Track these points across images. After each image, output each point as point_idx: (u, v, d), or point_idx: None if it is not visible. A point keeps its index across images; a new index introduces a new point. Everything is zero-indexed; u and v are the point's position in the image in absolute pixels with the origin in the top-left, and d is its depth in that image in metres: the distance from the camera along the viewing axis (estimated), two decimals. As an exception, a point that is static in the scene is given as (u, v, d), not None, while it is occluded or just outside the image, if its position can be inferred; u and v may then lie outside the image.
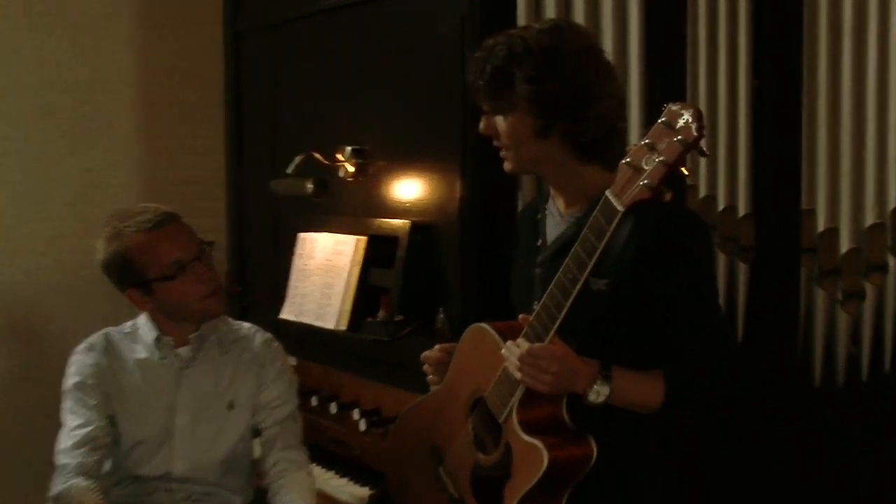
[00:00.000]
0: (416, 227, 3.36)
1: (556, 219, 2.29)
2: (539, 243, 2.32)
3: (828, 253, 3.26)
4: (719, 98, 3.21)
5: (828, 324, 3.29)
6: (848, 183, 3.28)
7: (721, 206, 3.22)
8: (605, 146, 2.14)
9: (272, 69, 4.11)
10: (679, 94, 3.14)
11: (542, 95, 2.10)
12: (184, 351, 2.75)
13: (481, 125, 2.24)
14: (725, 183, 3.22)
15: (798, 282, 3.28)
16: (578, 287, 1.99)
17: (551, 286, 2.04)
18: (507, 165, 2.24)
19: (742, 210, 3.23)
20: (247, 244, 4.30)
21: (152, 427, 2.70)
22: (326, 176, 3.65)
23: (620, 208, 1.92)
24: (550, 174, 2.25)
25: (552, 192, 2.32)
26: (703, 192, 3.21)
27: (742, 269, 3.23)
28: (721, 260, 3.21)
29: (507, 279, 2.47)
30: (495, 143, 2.23)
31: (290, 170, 3.67)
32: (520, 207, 3.22)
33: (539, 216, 2.36)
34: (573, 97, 2.10)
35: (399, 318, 3.30)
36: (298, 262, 3.75)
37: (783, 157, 3.28)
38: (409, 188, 3.46)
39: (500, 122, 2.20)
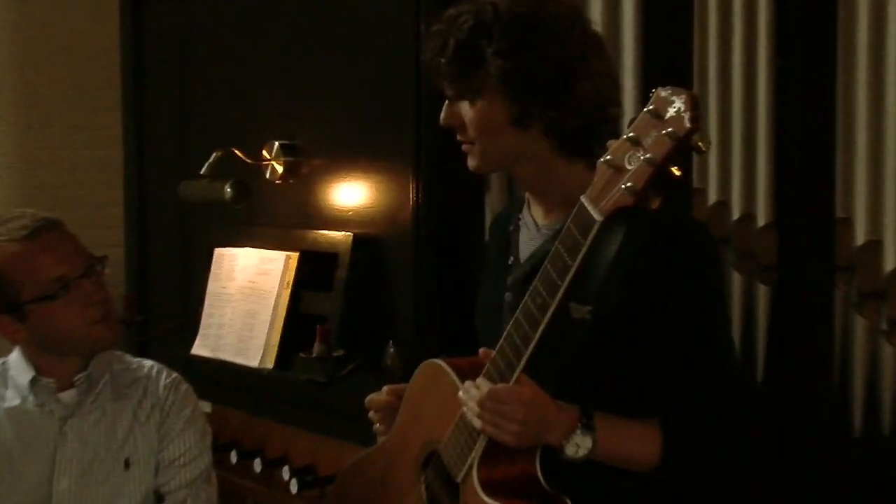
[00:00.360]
0: (359, 241, 3.38)
1: (531, 231, 2.30)
2: (511, 261, 2.33)
3: (868, 271, 3.27)
4: (733, 80, 3.21)
5: (870, 359, 3.28)
6: (893, 185, 3.29)
7: (736, 215, 3.22)
8: (593, 137, 2.14)
9: (182, 45, 4.11)
10: (683, 75, 3.15)
11: (518, 73, 2.12)
12: (67, 396, 2.73)
13: (443, 115, 2.25)
14: (741, 186, 3.21)
15: (832, 307, 3.27)
16: (549, 315, 1.99)
17: (517, 314, 2.04)
18: (471, 162, 2.24)
19: (762, 219, 3.22)
20: (149, 262, 4.29)
21: (26, 492, 2.68)
22: (249, 177, 3.66)
23: (598, 217, 1.92)
24: (527, 174, 2.26)
25: (528, 197, 2.33)
26: (713, 197, 3.22)
27: (762, 293, 3.23)
28: (736, 281, 3.21)
29: (473, 305, 2.47)
30: (459, 136, 2.24)
31: (204, 170, 3.68)
32: (487, 214, 3.26)
33: (511, 228, 2.36)
34: (555, 75, 2.12)
35: (339, 353, 3.32)
36: (214, 285, 3.76)
37: (812, 154, 3.29)
38: (351, 193, 3.47)
39: (465, 109, 2.21)
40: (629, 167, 1.89)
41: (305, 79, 3.63)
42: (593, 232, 1.94)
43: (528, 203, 2.33)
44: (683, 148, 1.85)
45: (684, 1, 3.20)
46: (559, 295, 1.99)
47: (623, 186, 1.89)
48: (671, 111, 1.84)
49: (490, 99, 2.16)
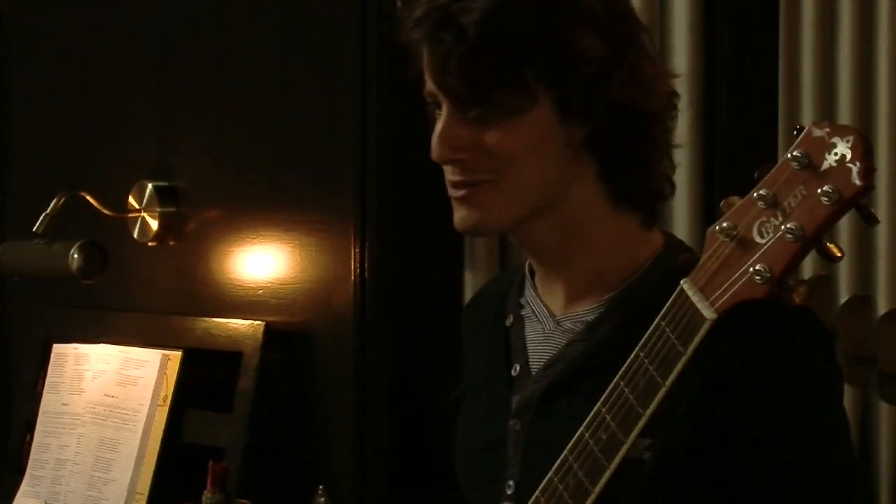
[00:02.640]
0: (274, 335, 3.36)
1: (545, 325, 2.26)
2: (515, 371, 2.28)
3: None
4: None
5: None
6: None
7: (845, 297, 3.28)
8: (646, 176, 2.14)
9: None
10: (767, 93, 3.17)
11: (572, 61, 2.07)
12: None
13: (448, 137, 2.10)
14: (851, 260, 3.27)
15: None
16: (619, 458, 1.96)
17: (565, 454, 2.01)
18: (473, 216, 2.12)
19: (884, 305, 3.27)
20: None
21: None
22: (107, 237, 3.61)
23: (709, 315, 1.89)
24: (548, 232, 2.18)
25: (539, 271, 2.28)
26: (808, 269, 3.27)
27: (884, 412, 3.29)
28: (847, 395, 3.23)
29: (450, 437, 2.43)
30: (462, 171, 2.11)
31: (38, 226, 3.62)
32: (467, 296, 3.22)
33: (510, 321, 2.32)
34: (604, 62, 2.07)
35: (242, 504, 3.31)
36: (52, 401, 3.71)
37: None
38: (261, 261, 3.46)
39: (488, 133, 2.09)
40: (761, 241, 1.86)
41: (192, 87, 3.64)
42: (699, 336, 1.90)
43: (537, 281, 2.28)
44: (843, 214, 1.83)
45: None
46: (638, 429, 1.96)
47: (752, 270, 1.86)
48: (830, 159, 1.80)
49: (538, 111, 2.09)
